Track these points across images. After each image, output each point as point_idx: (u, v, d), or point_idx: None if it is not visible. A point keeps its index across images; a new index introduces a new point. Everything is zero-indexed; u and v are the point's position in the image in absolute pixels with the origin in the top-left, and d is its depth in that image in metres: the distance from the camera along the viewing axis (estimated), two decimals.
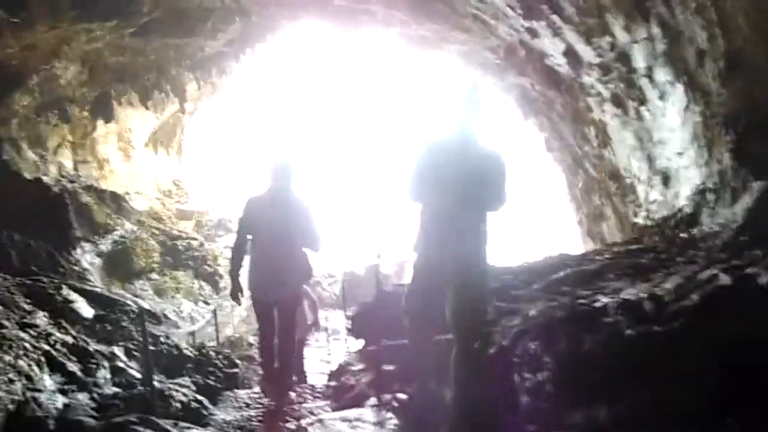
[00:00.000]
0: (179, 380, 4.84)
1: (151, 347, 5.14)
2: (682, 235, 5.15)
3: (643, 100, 6.68)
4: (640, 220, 6.72)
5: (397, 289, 4.93)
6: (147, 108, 16.36)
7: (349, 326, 5.66)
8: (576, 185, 13.27)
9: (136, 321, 5.57)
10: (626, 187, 9.85)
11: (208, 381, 5.08)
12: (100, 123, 19.63)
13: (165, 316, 13.66)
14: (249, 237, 4.96)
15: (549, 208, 31.24)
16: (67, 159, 15.73)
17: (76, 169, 16.29)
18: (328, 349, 13.41)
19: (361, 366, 4.70)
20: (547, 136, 13.64)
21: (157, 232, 15.76)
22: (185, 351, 5.55)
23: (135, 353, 4.81)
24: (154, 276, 14.40)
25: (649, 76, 6.17)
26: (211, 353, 5.87)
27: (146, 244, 14.43)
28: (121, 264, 13.56)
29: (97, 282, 8.51)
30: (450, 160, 3.39)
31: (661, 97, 6.07)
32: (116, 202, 15.89)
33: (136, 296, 13.48)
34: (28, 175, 8.65)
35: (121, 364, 4.52)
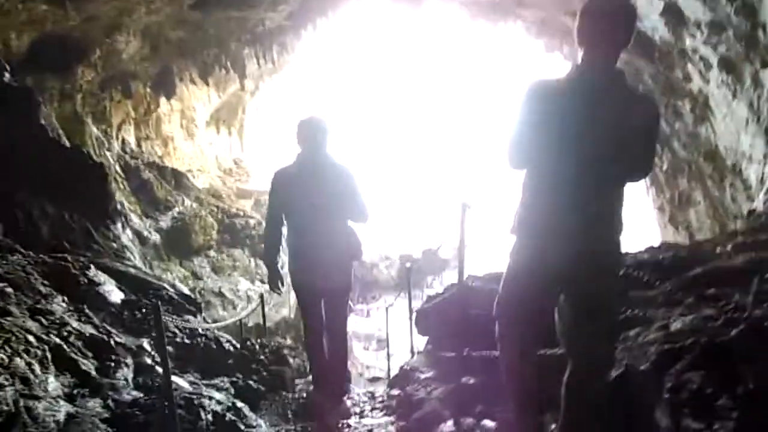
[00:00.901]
0: (216, 381, 4.15)
1: (185, 341, 4.50)
2: None
3: (763, 62, 5.53)
4: (757, 205, 5.60)
5: (486, 284, 4.00)
6: (208, 85, 15.97)
7: (415, 321, 4.81)
8: (659, 167, 11.96)
9: (171, 308, 4.95)
10: (726, 169, 8.62)
11: (250, 382, 4.33)
12: (162, 100, 19.59)
13: (221, 293, 13.36)
14: (283, 216, 4.06)
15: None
16: (130, 135, 15.60)
17: (139, 145, 16.18)
18: (385, 347, 11.64)
19: (430, 373, 3.86)
20: None
21: (215, 209, 15.48)
22: (225, 345, 4.83)
23: (168, 347, 4.14)
24: (211, 253, 14.11)
25: None
26: (256, 346, 5.13)
27: (205, 222, 14.13)
28: (180, 240, 13.29)
29: (137, 261, 8.01)
30: (575, 106, 2.28)
31: None
32: (177, 179, 15.68)
33: (194, 273, 13.24)
34: (66, 143, 8.17)
35: (148, 361, 3.78)
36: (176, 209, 14.48)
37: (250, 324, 11.18)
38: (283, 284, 4.22)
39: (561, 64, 11.46)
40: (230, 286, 14.16)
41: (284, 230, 4.12)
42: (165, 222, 13.40)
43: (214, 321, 8.58)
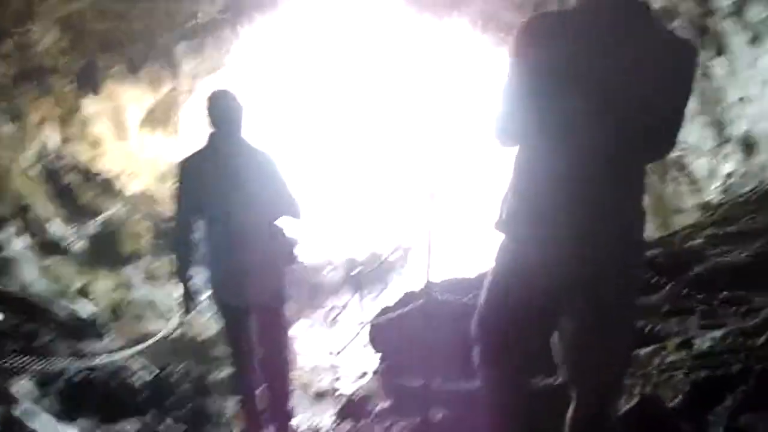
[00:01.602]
0: (119, 426, 3.43)
1: (75, 378, 3.76)
2: None
3: (718, 50, 5.30)
4: (713, 197, 5.38)
5: (457, 292, 3.36)
6: (137, 82, 14.87)
7: (369, 337, 4.18)
8: None
9: (61, 335, 4.13)
10: (669, 162, 8.51)
11: (168, 420, 3.61)
12: (89, 100, 18.24)
13: (155, 304, 12.39)
14: (195, 217, 3.38)
15: None
16: (52, 136, 14.32)
17: (61, 147, 14.89)
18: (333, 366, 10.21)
19: (387, 404, 3.26)
20: None
21: (149, 214, 14.42)
22: (136, 376, 4.06)
23: (44, 386, 3.35)
24: (145, 261, 13.09)
25: (737, 14, 4.78)
26: (177, 373, 4.39)
27: (136, 228, 13.10)
28: (107, 249, 12.24)
29: (33, 276, 6.99)
30: (588, 52, 1.63)
31: (754, 40, 4.69)
32: (105, 182, 14.51)
33: (124, 283, 12.20)
34: None
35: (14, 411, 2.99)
36: (104, 215, 13.37)
37: (190, 335, 10.31)
38: (199, 300, 3.49)
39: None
40: (166, 295, 13.18)
41: (198, 236, 3.40)
42: (91, 229, 12.31)
43: (144, 336, 7.64)
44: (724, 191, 5.18)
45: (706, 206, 5.29)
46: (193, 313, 3.38)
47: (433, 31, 12.69)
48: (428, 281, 2.80)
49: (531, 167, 1.85)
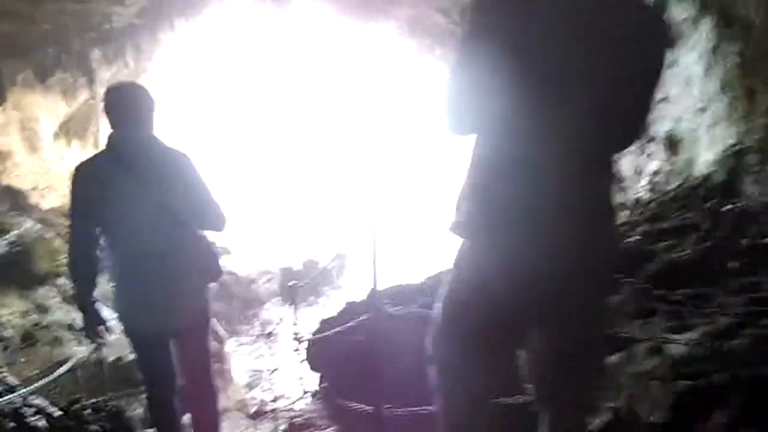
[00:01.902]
0: None
1: None
2: (725, 207, 3.90)
3: None
4: (641, 195, 5.47)
5: (403, 303, 3.04)
6: (49, 90, 13.85)
7: (306, 354, 3.82)
8: None
9: None
10: None
11: None
12: None
13: (74, 326, 11.48)
14: (97, 231, 2.74)
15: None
16: None
17: None
18: (269, 382, 9.66)
19: (330, 430, 2.96)
20: None
21: (63, 231, 13.39)
22: (34, 418, 3.49)
23: None
24: (61, 281, 12.09)
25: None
26: (87, 411, 3.82)
27: (51, 245, 12.11)
28: (18, 269, 11.23)
29: None
30: (552, 22, 1.44)
31: (675, 40, 4.79)
32: (14, 198, 13.40)
33: (38, 306, 11.23)
34: None
35: None
36: (13, 233, 12.30)
37: (111, 359, 9.52)
38: (105, 328, 2.95)
39: (434, 66, 11.20)
40: None
41: (101, 251, 2.88)
42: None
43: (58, 365, 6.74)
44: (651, 189, 5.27)
45: (636, 204, 5.37)
46: (107, 337, 2.87)
47: (359, 35, 12.54)
48: (373, 289, 2.50)
49: (488, 159, 1.57)
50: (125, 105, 2.80)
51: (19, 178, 19.23)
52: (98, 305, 2.78)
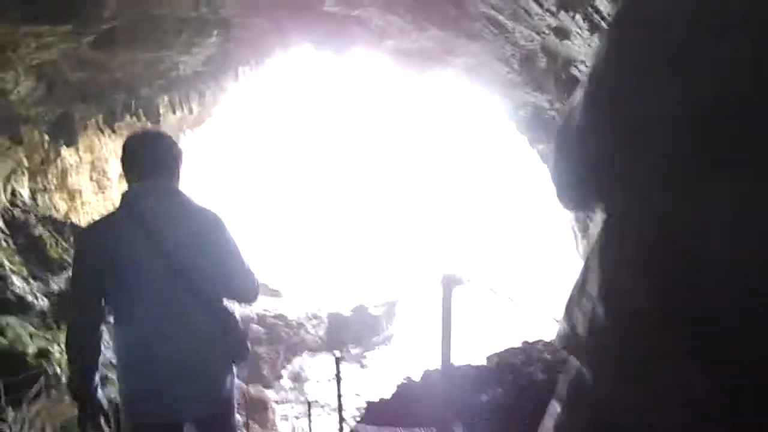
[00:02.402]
0: None
1: None
2: None
3: None
4: None
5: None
6: (114, 133, 14.34)
7: (362, 414, 3.29)
8: (593, 218, 11.33)
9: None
10: None
11: None
12: (71, 150, 17.63)
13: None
14: (103, 302, 2.25)
15: (547, 247, 29.42)
16: (22, 187, 13.61)
17: (33, 198, 14.17)
18: None
19: None
20: None
21: None
22: None
23: None
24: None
25: None
26: None
27: None
28: None
29: None
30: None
31: None
32: (77, 235, 13.69)
33: None
34: None
35: None
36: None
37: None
38: (108, 420, 2.35)
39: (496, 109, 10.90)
40: None
41: (109, 326, 2.36)
42: (57, 285, 11.43)
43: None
44: None
45: None
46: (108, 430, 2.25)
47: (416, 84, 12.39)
48: (446, 367, 2.04)
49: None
50: (145, 154, 2.33)
51: (87, 217, 19.95)
52: (100, 392, 2.25)
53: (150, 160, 2.32)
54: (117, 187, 23.80)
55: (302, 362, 15.60)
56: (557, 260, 22.93)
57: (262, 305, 17.92)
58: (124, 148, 2.38)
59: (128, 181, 2.40)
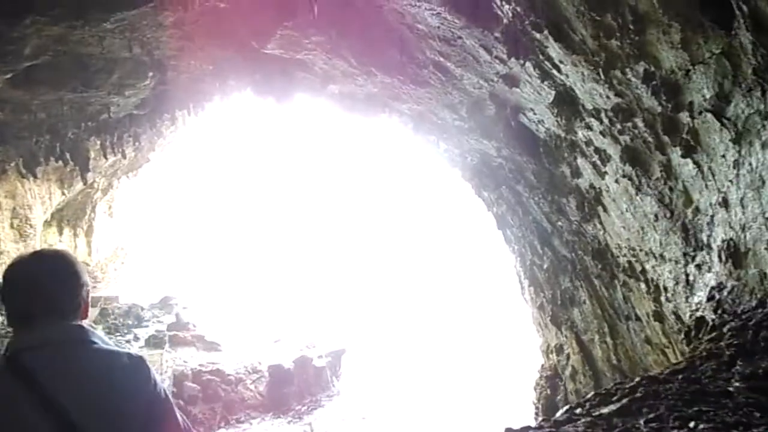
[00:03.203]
0: None
1: None
2: None
3: (689, 148, 4.63)
4: (700, 314, 4.47)
5: None
6: (35, 177, 13.13)
7: None
8: (540, 266, 11.18)
9: None
10: (618, 268, 7.84)
11: None
12: None
13: None
14: None
15: (489, 293, 29.27)
16: None
17: None
18: None
19: None
20: (504, 211, 11.68)
21: None
22: None
23: None
24: None
25: (714, 112, 4.12)
26: None
27: None
28: None
29: None
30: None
31: (736, 137, 4.00)
32: None
33: None
34: None
35: None
36: None
37: None
38: None
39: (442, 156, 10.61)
40: None
41: None
42: None
43: None
44: (716, 308, 4.31)
45: (696, 325, 4.39)
46: None
47: (363, 130, 12.03)
48: None
49: None
50: (34, 287, 1.68)
51: (4, 267, 18.11)
52: None
53: (39, 293, 1.67)
54: (42, 234, 21.98)
55: (242, 421, 14.21)
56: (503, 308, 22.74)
57: (197, 360, 16.51)
58: (5, 277, 1.69)
59: (10, 322, 1.71)
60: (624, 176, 5.95)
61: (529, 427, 2.33)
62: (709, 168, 4.50)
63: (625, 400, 2.58)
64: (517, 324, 17.57)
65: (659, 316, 6.60)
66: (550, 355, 12.66)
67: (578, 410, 2.78)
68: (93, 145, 13.58)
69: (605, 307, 8.90)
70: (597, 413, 2.50)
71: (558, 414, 2.82)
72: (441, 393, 16.58)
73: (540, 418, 2.62)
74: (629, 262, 7.10)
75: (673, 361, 7.75)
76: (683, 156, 4.73)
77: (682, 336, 4.90)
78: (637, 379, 3.11)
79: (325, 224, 52.84)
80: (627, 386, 2.98)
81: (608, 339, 9.32)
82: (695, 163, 4.66)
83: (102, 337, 1.74)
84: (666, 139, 4.87)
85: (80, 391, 1.59)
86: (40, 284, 1.68)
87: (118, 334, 18.54)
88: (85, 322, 1.77)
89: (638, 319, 7.68)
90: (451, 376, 17.82)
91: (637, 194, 5.86)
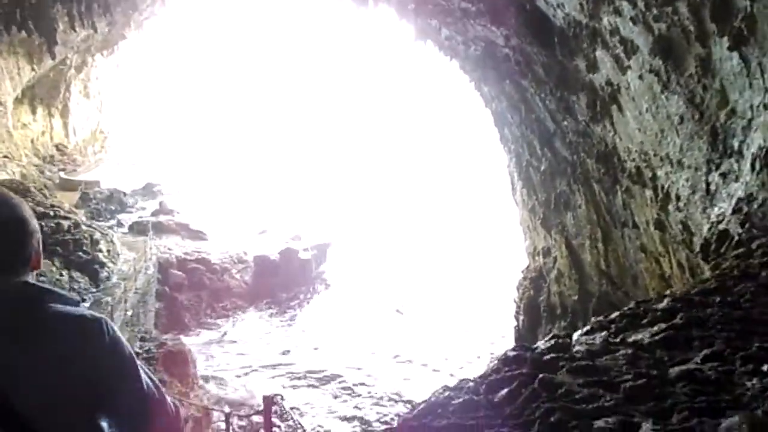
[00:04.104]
0: None
1: None
2: None
3: (739, 39, 3.99)
4: (724, 226, 4.08)
5: None
6: (8, 51, 11.99)
7: None
8: (537, 167, 10.69)
9: None
10: (624, 173, 7.41)
11: None
12: None
13: None
14: None
15: (477, 191, 29.03)
16: None
17: None
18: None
19: None
20: (504, 107, 10.99)
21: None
22: None
23: None
24: None
25: None
26: None
27: None
28: None
29: None
30: None
31: None
32: None
33: None
34: None
35: None
36: None
37: None
38: None
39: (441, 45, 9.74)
40: None
41: None
42: None
43: None
44: (743, 221, 3.92)
45: (716, 238, 4.02)
46: None
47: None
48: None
49: None
50: None
51: None
52: None
53: None
54: (13, 112, 20.78)
55: (228, 308, 14.28)
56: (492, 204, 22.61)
57: (182, 248, 16.34)
58: None
59: None
60: (650, 71, 5.30)
61: (563, 356, 1.95)
62: (759, 64, 3.90)
63: (664, 327, 2.22)
64: (502, 224, 17.49)
65: (661, 225, 6.27)
66: (536, 257, 12.62)
67: (603, 333, 2.41)
68: (60, 15, 12.29)
69: (601, 212, 8.57)
70: (633, 341, 2.14)
71: (579, 336, 2.46)
72: (424, 290, 16.80)
73: (557, 338, 2.21)
74: (637, 167, 6.63)
75: (667, 270, 7.61)
76: (730, 48, 4.09)
77: (697, 249, 4.54)
78: (667, 300, 2.73)
79: (314, 114, 51.32)
80: (657, 308, 2.60)
81: (599, 245, 9.10)
82: (742, 57, 4.03)
83: (60, 295, 1.40)
84: (712, 27, 4.19)
85: (24, 367, 1.28)
86: None
87: (101, 219, 18.16)
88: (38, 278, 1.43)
89: (635, 226, 7.38)
90: (436, 273, 18.00)
91: (662, 92, 5.25)
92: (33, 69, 18.73)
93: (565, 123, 8.36)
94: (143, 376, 1.43)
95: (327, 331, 13.84)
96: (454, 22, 8.61)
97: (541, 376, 1.75)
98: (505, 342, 14.94)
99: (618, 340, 2.19)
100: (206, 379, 11.15)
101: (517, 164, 11.87)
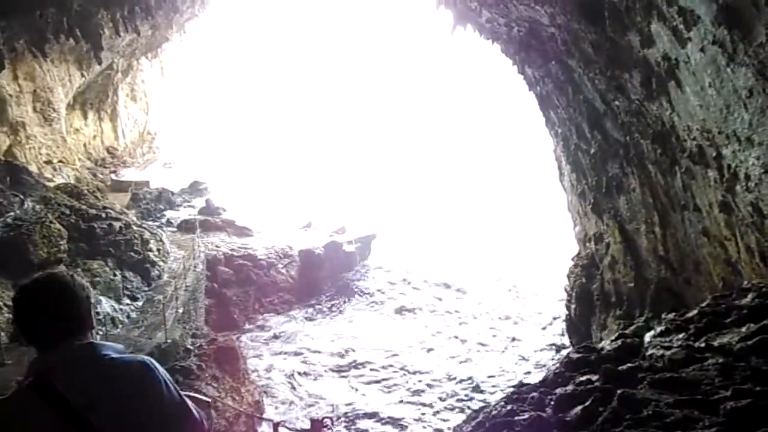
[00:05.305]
0: None
1: None
2: None
3: None
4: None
5: None
6: (45, 56, 12.31)
7: None
8: (586, 150, 10.21)
9: None
10: (684, 153, 6.93)
11: None
12: (7, 79, 15.44)
13: None
14: None
15: (523, 178, 28.33)
16: None
17: None
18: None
19: None
20: (550, 89, 10.54)
21: (67, 211, 11.95)
22: None
23: None
24: (60, 269, 10.70)
25: None
26: None
27: (49, 229, 10.68)
28: (12, 256, 9.83)
29: None
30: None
31: None
32: (14, 174, 11.98)
33: None
34: None
35: None
36: (10, 215, 10.92)
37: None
38: None
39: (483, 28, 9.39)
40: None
41: None
42: None
43: None
44: None
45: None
46: None
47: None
48: None
49: None
50: (42, 314, 1.72)
51: (33, 152, 17.93)
52: None
53: (50, 320, 1.73)
54: (66, 118, 21.55)
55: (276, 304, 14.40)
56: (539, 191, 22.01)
57: (229, 245, 16.59)
58: (14, 304, 1.79)
59: (29, 342, 1.81)
60: (714, 42, 4.88)
61: (639, 365, 1.72)
62: None
63: (755, 328, 1.95)
64: (550, 211, 16.94)
65: (726, 207, 5.83)
66: (588, 244, 12.13)
67: (681, 335, 2.16)
68: (105, 21, 12.56)
69: (658, 195, 8.09)
70: (720, 345, 1.88)
71: (652, 337, 2.21)
72: (472, 281, 16.53)
73: (624, 337, 1.99)
74: (699, 146, 6.18)
75: (733, 254, 7.07)
76: None
77: None
78: (751, 294, 2.44)
79: (356, 106, 51.34)
80: (741, 304, 2.32)
81: (657, 229, 8.61)
82: None
83: (112, 346, 1.81)
84: None
85: (101, 404, 1.65)
86: (47, 310, 1.72)
87: (151, 218, 18.64)
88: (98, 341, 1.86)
89: (697, 209, 6.91)
90: (484, 263, 17.67)
91: (728, 65, 4.83)
92: (83, 75, 19.32)
93: (617, 103, 7.91)
94: (193, 406, 1.75)
95: (373, 325, 13.80)
96: (495, 4, 8.27)
97: (620, 392, 1.53)
98: (555, 324, 14.60)
99: (702, 345, 1.94)
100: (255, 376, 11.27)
101: (565, 148, 11.41)
